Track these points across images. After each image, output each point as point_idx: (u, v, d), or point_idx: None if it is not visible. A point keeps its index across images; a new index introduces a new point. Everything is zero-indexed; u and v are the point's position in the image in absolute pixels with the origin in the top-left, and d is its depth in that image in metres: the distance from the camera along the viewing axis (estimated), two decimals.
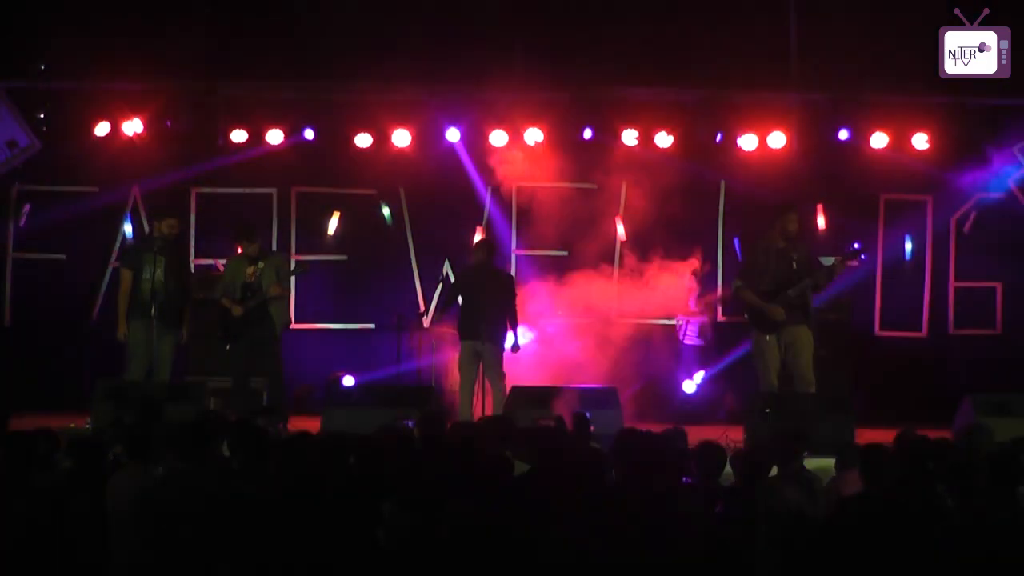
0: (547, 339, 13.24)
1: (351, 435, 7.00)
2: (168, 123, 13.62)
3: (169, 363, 11.41)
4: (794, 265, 11.15)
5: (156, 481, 6.21)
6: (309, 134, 13.70)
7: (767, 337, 11.17)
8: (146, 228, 11.60)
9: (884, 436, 7.07)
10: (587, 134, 13.67)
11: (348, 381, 12.96)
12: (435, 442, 6.97)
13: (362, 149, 13.78)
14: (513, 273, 13.33)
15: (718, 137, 13.69)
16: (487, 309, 11.29)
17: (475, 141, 13.79)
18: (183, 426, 6.62)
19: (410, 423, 8.17)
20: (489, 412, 11.10)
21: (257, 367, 11.57)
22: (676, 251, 13.57)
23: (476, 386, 11.37)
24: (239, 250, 11.67)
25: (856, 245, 11.49)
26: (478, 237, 13.44)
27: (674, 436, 7.57)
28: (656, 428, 7.85)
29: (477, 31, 13.40)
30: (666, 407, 13.12)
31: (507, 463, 6.29)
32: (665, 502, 5.81)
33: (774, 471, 6.83)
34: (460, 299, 11.48)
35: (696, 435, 8.09)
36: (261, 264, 11.35)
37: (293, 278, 12.46)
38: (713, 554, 5.92)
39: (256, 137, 13.75)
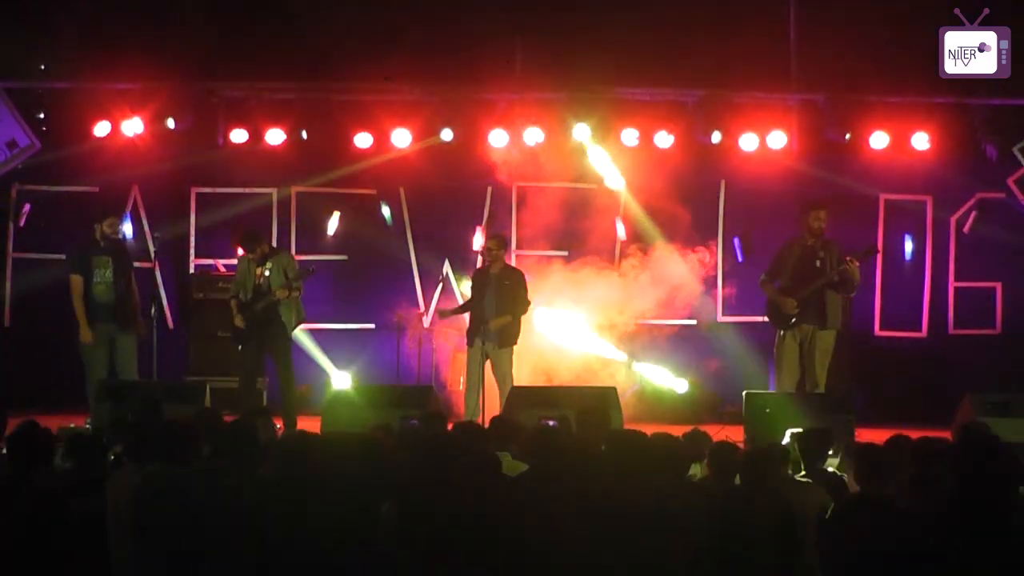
0: (548, 339, 13.26)
1: (350, 435, 6.99)
2: (174, 123, 13.56)
3: (135, 362, 11.41)
4: (818, 264, 11.17)
5: (149, 481, 6.19)
6: (304, 135, 13.70)
7: (781, 333, 11.25)
8: (97, 231, 11.49)
9: (884, 436, 7.06)
10: (586, 134, 13.65)
11: (341, 381, 12.96)
12: (437, 441, 6.95)
13: (362, 149, 13.79)
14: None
15: (713, 137, 13.65)
16: (496, 310, 11.39)
17: (475, 141, 13.79)
18: (177, 426, 6.59)
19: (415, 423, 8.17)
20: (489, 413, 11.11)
21: (266, 367, 11.59)
22: (676, 251, 13.58)
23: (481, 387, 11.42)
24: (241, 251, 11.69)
25: (871, 244, 11.58)
26: (479, 238, 13.47)
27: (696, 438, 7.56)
28: (654, 428, 7.83)
29: (477, 31, 13.40)
30: (665, 407, 13.13)
31: (495, 462, 6.27)
32: (667, 502, 5.80)
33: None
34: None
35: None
36: (269, 264, 11.34)
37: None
38: (714, 555, 5.91)
39: (256, 137, 13.75)
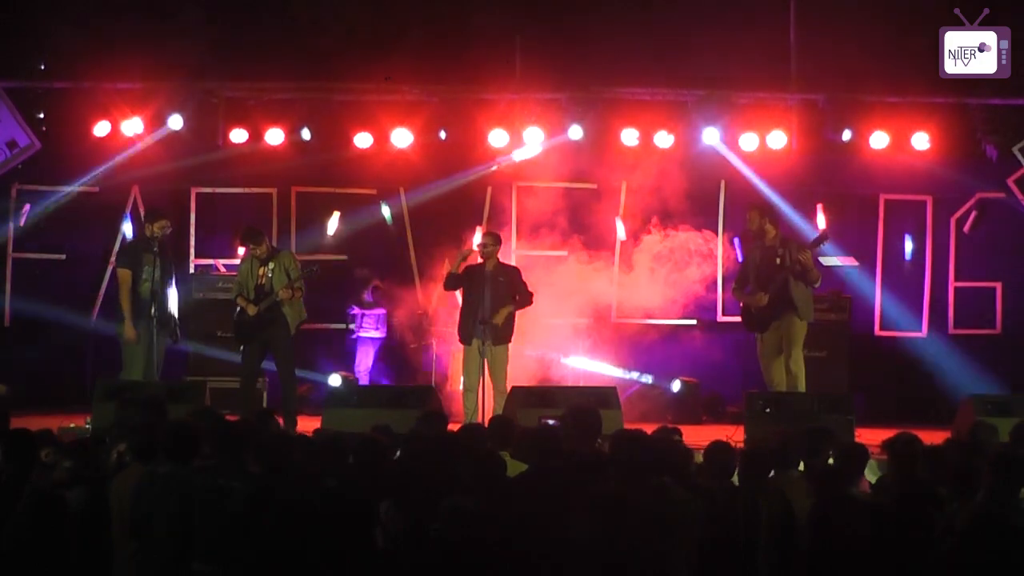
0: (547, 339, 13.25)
1: (349, 435, 7.00)
2: (181, 121, 13.54)
3: (162, 364, 11.39)
4: (778, 261, 11.18)
5: (149, 481, 6.20)
6: (305, 134, 13.70)
7: (757, 336, 11.26)
8: (148, 231, 11.44)
9: (884, 436, 7.07)
10: (581, 133, 13.64)
11: (334, 380, 12.98)
12: (436, 441, 6.96)
13: (362, 149, 13.79)
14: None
15: (710, 136, 13.61)
16: (492, 307, 11.32)
17: (475, 141, 13.78)
18: (179, 425, 6.59)
19: None
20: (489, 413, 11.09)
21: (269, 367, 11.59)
22: (676, 251, 13.57)
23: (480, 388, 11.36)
24: (243, 250, 11.67)
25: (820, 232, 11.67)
26: (479, 238, 13.44)
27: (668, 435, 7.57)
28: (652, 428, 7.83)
29: (477, 31, 13.40)
30: (665, 407, 13.15)
31: (500, 462, 6.28)
32: (665, 502, 5.80)
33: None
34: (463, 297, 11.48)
35: (696, 434, 8.13)
36: (271, 265, 11.30)
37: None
38: (713, 554, 5.92)
39: (256, 137, 13.75)
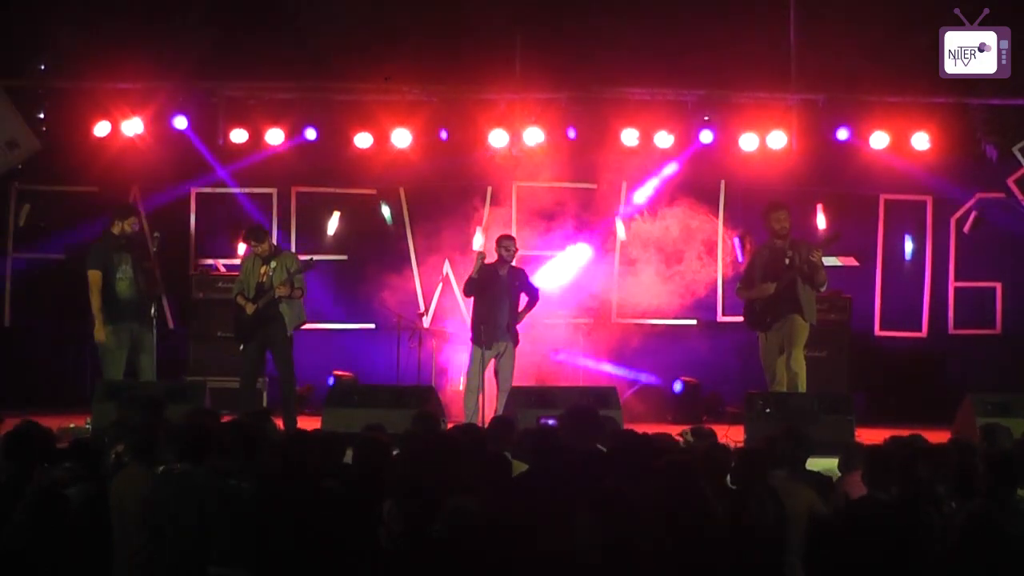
0: (547, 339, 13.25)
1: (350, 435, 7.00)
2: (186, 121, 13.53)
3: (154, 361, 11.37)
4: (787, 261, 11.17)
5: (154, 481, 6.20)
6: (310, 134, 13.71)
7: (760, 335, 11.26)
8: (116, 228, 11.36)
9: (884, 436, 7.07)
10: (575, 134, 13.65)
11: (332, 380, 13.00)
12: (436, 442, 6.96)
13: (362, 149, 13.79)
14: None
15: (705, 136, 13.61)
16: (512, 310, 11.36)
17: (475, 141, 13.78)
18: (179, 426, 6.60)
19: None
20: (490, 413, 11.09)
21: (267, 367, 11.58)
22: (676, 251, 13.58)
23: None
24: (244, 248, 11.65)
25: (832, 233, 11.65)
26: (479, 238, 13.45)
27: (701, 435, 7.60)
28: (655, 429, 7.84)
29: (477, 31, 13.40)
30: (665, 407, 13.16)
31: (506, 462, 6.29)
32: (664, 501, 5.80)
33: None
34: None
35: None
36: (273, 264, 11.28)
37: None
38: (712, 554, 5.92)
39: (256, 137, 13.75)
